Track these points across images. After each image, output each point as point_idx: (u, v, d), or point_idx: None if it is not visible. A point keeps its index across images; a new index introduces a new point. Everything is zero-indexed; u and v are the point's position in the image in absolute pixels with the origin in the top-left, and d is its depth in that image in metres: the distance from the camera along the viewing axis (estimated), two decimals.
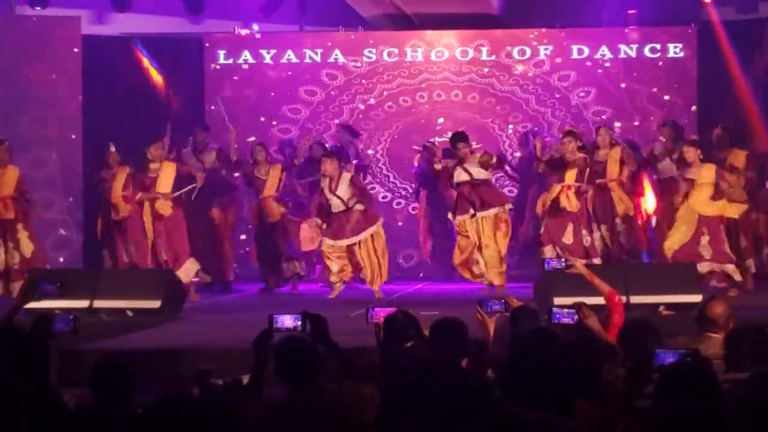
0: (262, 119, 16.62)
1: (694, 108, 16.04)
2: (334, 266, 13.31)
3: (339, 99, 16.61)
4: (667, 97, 16.20)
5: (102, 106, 15.67)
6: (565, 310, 6.57)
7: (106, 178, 14.20)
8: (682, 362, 4.69)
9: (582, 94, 16.35)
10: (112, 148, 14.26)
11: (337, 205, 13.33)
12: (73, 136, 15.73)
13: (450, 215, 13.51)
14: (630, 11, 16.09)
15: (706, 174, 12.80)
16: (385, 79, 16.58)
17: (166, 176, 13.51)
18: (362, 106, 16.61)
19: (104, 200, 14.19)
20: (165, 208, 13.46)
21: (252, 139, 15.34)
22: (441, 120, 16.49)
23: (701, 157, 12.88)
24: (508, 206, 13.45)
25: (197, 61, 16.62)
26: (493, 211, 13.20)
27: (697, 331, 6.74)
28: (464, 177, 13.22)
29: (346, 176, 13.53)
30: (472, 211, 13.15)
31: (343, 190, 13.34)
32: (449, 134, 15.96)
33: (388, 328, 6.27)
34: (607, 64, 16.31)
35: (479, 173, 13.23)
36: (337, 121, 16.33)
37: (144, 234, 13.55)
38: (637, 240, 13.76)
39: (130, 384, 5.10)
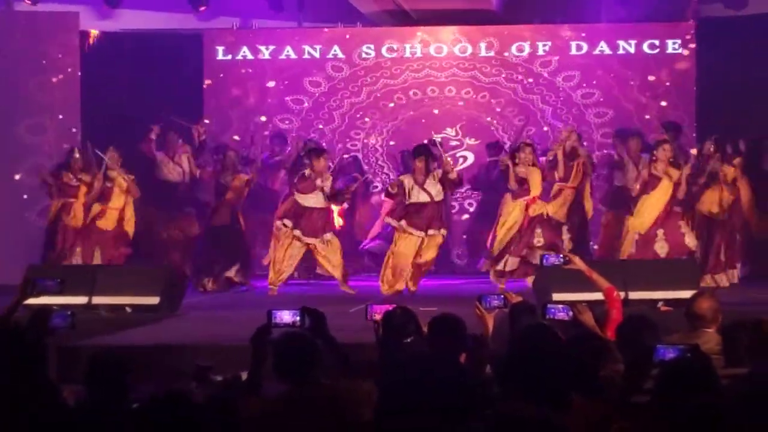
0: (264, 119, 16.62)
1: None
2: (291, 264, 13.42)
3: (336, 95, 16.60)
4: (664, 103, 16.17)
5: (101, 102, 15.67)
6: (560, 305, 6.57)
7: (68, 183, 14.11)
8: (683, 358, 4.68)
9: (582, 91, 16.34)
10: (77, 154, 14.19)
11: (317, 202, 13.37)
12: (74, 130, 15.70)
13: (395, 222, 13.35)
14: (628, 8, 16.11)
15: (672, 173, 13.02)
16: (384, 75, 16.57)
17: (119, 188, 13.95)
18: (361, 101, 16.60)
19: (60, 205, 14.14)
20: (110, 222, 13.93)
21: (236, 138, 15.32)
22: (438, 113, 16.50)
23: (671, 158, 13.09)
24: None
25: (196, 57, 16.60)
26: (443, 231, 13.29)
27: (690, 327, 6.73)
28: (424, 198, 13.12)
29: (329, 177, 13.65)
30: (422, 232, 13.12)
31: (328, 187, 13.47)
32: (448, 130, 16.01)
33: (387, 324, 6.27)
34: (606, 60, 16.30)
35: (438, 194, 13.19)
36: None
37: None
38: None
39: (126, 380, 5.09)
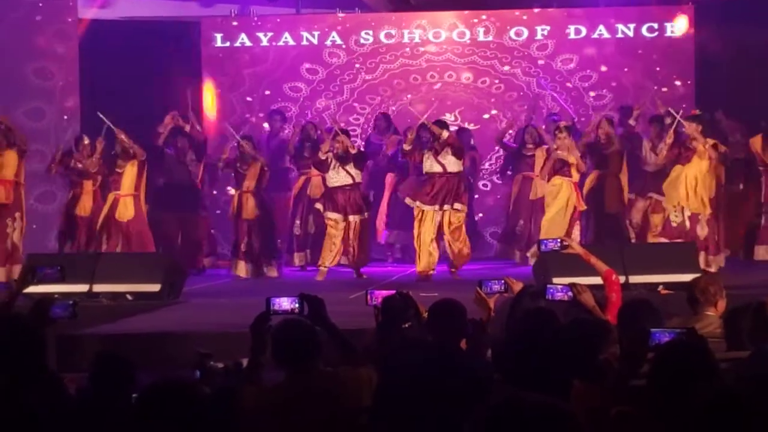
0: (258, 105, 16.61)
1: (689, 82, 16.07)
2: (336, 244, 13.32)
3: (335, 82, 16.59)
4: (665, 89, 16.13)
5: (100, 91, 15.66)
6: (560, 285, 6.58)
7: (75, 170, 13.95)
8: (678, 341, 4.68)
9: (581, 75, 16.32)
10: (86, 141, 14.07)
11: (342, 180, 13.32)
12: (66, 116, 15.70)
13: (410, 200, 13.39)
14: None
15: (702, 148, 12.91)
16: (382, 61, 16.55)
17: (129, 174, 13.64)
18: (360, 87, 16.59)
19: (72, 192, 14.03)
20: (127, 211, 13.56)
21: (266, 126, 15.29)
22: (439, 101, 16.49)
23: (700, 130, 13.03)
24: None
25: (195, 44, 16.57)
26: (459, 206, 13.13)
27: (691, 310, 6.73)
28: (437, 168, 13.11)
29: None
30: (437, 206, 13.05)
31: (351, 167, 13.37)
32: (447, 115, 15.97)
33: (386, 309, 6.27)
34: (605, 44, 16.28)
35: (453, 165, 13.12)
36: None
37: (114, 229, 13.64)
38: None
39: (133, 379, 5.07)
